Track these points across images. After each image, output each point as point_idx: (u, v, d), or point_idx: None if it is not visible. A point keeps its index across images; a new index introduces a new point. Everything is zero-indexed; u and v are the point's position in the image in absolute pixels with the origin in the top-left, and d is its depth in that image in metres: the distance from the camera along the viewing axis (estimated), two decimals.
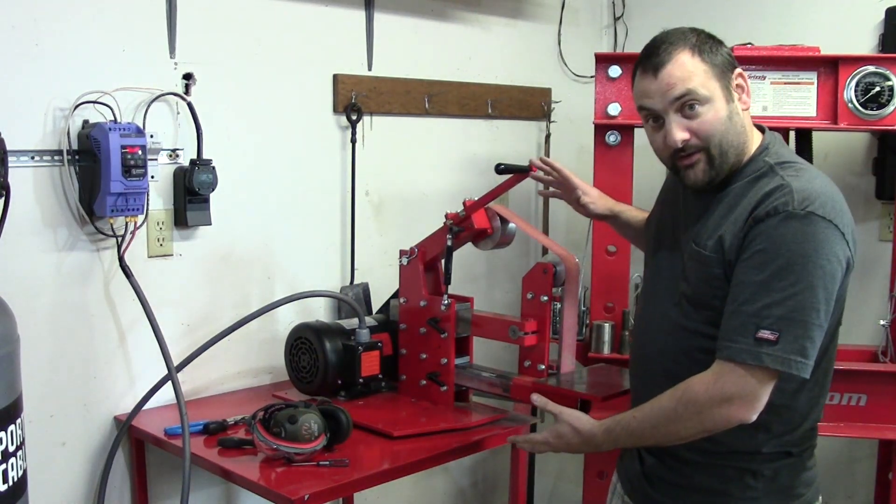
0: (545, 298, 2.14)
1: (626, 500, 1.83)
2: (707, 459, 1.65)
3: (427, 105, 2.93)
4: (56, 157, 2.11)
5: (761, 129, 1.70)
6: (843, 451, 3.08)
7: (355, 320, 2.34)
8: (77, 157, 2.14)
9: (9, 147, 1.91)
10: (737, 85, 1.63)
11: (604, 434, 1.69)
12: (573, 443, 1.75)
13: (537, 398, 1.91)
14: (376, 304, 2.72)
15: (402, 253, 2.35)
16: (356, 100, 2.70)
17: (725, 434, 1.56)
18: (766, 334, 1.48)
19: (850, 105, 2.56)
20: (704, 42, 1.60)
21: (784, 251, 1.48)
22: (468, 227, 2.21)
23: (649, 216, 1.95)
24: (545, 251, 2.62)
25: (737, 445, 1.62)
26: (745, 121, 1.64)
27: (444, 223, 2.24)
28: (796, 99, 2.61)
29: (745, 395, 1.51)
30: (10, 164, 1.94)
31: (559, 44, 3.41)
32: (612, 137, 2.73)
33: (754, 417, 1.53)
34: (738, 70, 1.64)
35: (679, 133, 1.59)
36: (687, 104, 1.58)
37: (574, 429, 1.74)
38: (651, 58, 1.60)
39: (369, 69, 2.79)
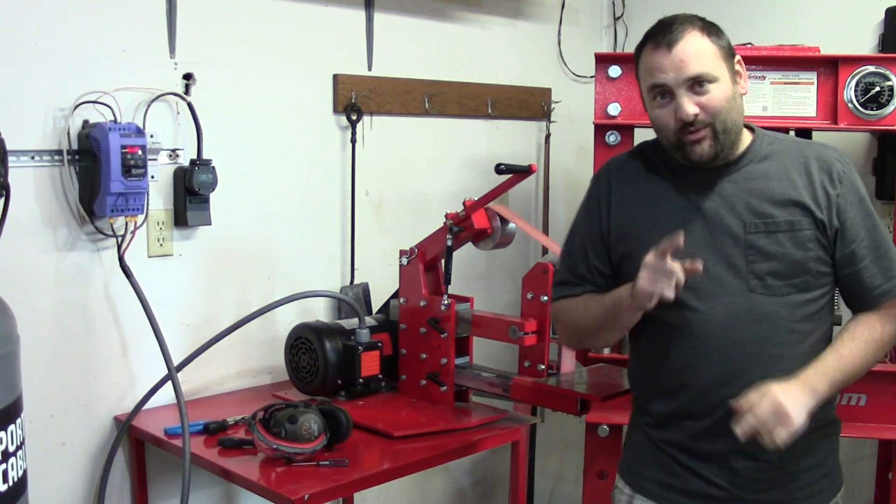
0: (545, 298, 2.14)
1: None
2: (802, 439, 1.62)
3: (427, 105, 2.92)
4: (56, 157, 2.11)
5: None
6: (843, 451, 3.06)
7: (355, 320, 2.35)
8: (77, 157, 2.14)
9: (9, 147, 1.91)
10: (736, 70, 1.70)
11: (815, 380, 1.61)
12: (787, 396, 1.58)
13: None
14: (376, 304, 2.72)
15: (402, 253, 2.35)
16: (356, 100, 2.70)
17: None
18: None
19: (850, 105, 2.56)
20: (710, 26, 1.69)
21: (865, 194, 1.73)
22: (468, 227, 2.22)
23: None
24: (545, 251, 2.61)
25: (825, 411, 1.70)
26: (743, 106, 1.71)
27: (444, 223, 2.24)
28: (796, 99, 2.60)
29: None
30: (10, 164, 1.93)
31: (559, 44, 3.41)
32: (612, 137, 2.72)
33: None
34: (738, 57, 1.72)
35: (690, 107, 1.64)
36: (698, 82, 1.64)
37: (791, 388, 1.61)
38: (665, 34, 1.65)
39: (369, 69, 2.79)
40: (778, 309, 1.66)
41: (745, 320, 1.67)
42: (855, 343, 1.66)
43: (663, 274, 1.55)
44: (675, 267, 1.55)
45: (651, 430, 1.78)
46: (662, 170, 1.76)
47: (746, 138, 1.74)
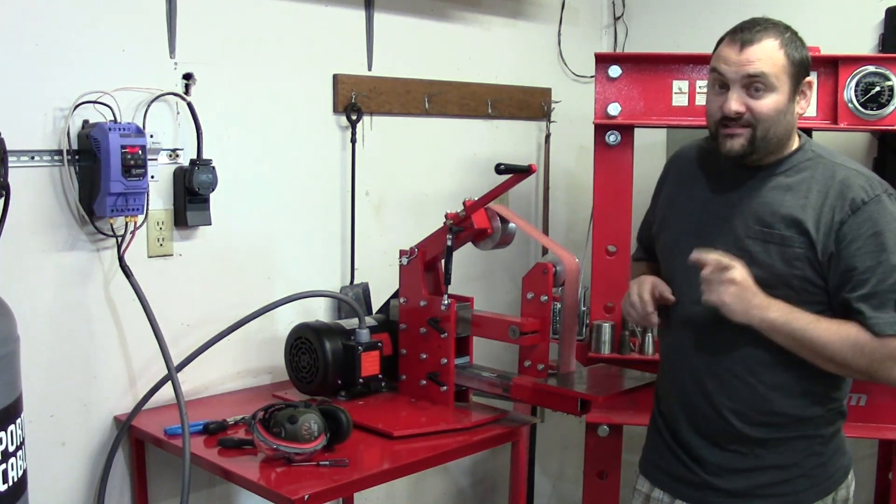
0: (545, 298, 2.14)
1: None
2: (774, 435, 1.73)
3: (427, 105, 2.92)
4: (56, 157, 2.11)
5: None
6: None
7: (355, 320, 2.34)
8: (77, 157, 2.14)
9: (9, 147, 1.91)
10: (802, 90, 1.73)
11: (779, 307, 1.65)
12: (750, 286, 1.65)
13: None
14: (376, 304, 2.72)
15: (402, 253, 2.35)
16: (356, 100, 2.70)
17: (789, 405, 1.72)
18: None
19: (850, 105, 2.56)
20: (794, 40, 1.71)
21: (891, 228, 1.64)
22: (468, 227, 2.21)
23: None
24: (545, 251, 2.62)
25: (803, 413, 1.72)
26: (794, 122, 1.74)
27: (444, 223, 2.24)
28: None
29: None
30: (10, 164, 1.94)
31: (559, 44, 3.41)
32: (612, 137, 2.73)
33: None
34: (809, 78, 1.74)
35: (736, 105, 1.68)
36: (754, 85, 1.67)
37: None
38: (744, 32, 1.71)
39: (369, 69, 2.79)
40: None
41: (730, 326, 1.70)
42: (838, 327, 1.64)
43: (640, 312, 1.82)
44: (649, 313, 1.81)
45: (656, 413, 1.94)
46: (710, 161, 1.83)
47: (792, 146, 1.76)
